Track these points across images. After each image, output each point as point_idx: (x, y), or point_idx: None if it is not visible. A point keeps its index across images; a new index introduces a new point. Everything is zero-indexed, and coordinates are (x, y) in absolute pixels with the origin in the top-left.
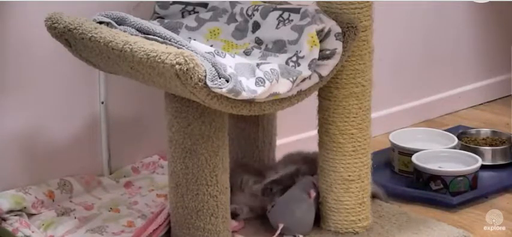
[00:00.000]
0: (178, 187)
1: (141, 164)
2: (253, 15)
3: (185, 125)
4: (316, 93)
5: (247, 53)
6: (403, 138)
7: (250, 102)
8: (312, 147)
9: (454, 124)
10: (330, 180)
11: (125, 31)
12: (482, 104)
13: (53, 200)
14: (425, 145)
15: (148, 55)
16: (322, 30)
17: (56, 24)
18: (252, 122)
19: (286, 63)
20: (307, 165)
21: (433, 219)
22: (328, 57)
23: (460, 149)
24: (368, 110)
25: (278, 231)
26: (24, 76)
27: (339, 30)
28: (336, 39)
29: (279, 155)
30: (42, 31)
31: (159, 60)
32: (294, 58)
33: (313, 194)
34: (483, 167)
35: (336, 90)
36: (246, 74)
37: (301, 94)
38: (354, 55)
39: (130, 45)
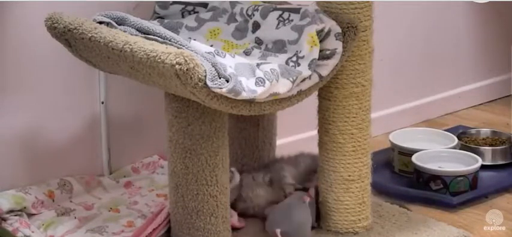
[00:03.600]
0: (178, 187)
1: (141, 164)
2: (253, 15)
3: (185, 125)
4: (316, 93)
5: (247, 53)
6: (403, 138)
7: (250, 102)
8: (312, 147)
9: (454, 124)
10: (330, 180)
11: (124, 31)
12: (482, 104)
13: (53, 200)
14: (425, 145)
15: (148, 55)
16: (322, 30)
17: (56, 24)
18: (252, 122)
19: (286, 63)
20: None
21: (433, 219)
22: (328, 57)
23: (460, 149)
24: (368, 110)
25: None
26: (24, 76)
27: (339, 30)
28: (336, 39)
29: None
30: (42, 31)
31: (159, 60)
32: (294, 58)
33: (307, 198)
34: (483, 167)
35: (336, 90)
36: (246, 74)
37: (301, 94)
38: (354, 55)
39: (131, 45)
